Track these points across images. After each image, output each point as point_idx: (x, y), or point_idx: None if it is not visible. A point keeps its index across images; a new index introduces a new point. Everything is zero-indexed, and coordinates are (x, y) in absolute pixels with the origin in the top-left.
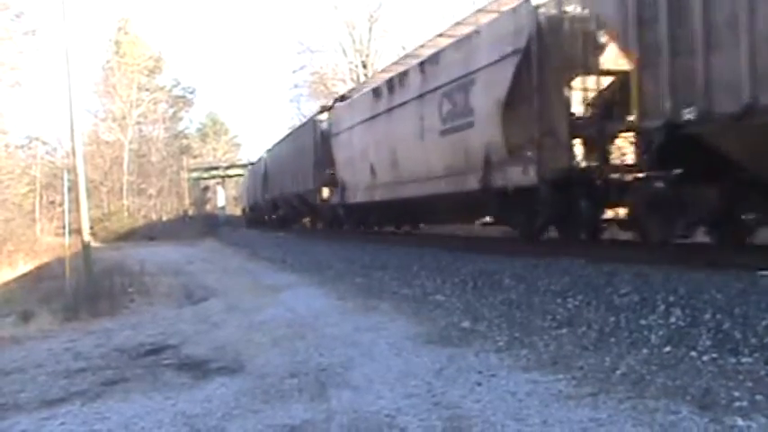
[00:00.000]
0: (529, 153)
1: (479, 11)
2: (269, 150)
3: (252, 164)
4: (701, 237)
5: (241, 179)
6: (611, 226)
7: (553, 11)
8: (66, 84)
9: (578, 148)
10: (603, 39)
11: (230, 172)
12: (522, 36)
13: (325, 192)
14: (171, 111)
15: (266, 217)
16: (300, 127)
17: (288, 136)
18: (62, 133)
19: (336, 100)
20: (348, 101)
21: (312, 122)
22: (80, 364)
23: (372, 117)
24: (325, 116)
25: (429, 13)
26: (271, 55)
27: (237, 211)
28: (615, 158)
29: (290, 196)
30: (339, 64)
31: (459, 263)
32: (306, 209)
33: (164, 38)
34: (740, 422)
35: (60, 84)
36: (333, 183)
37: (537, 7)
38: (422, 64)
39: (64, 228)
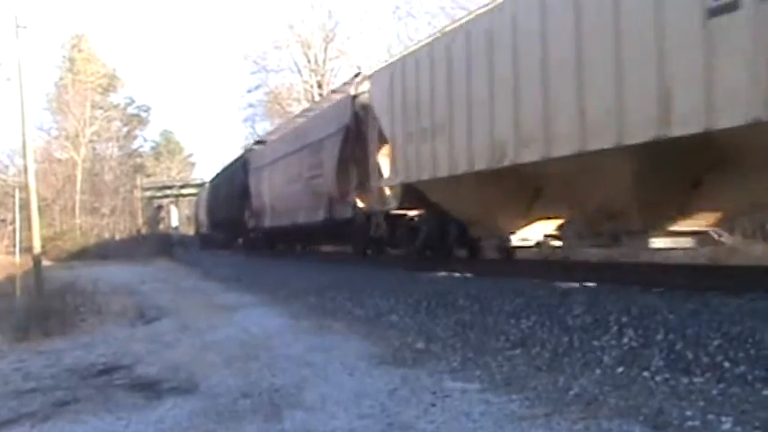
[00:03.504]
0: None
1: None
2: (248, 150)
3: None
4: None
5: (194, 198)
6: None
7: None
8: (18, 100)
9: None
10: None
11: (184, 191)
12: None
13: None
14: (125, 129)
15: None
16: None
17: (287, 129)
18: (14, 150)
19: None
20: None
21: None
22: (30, 384)
23: None
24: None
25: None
26: (225, 74)
27: (191, 231)
28: None
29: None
30: (294, 84)
31: (413, 283)
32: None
33: (118, 56)
34: None
35: (12, 100)
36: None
37: None
38: None
39: (15, 246)
